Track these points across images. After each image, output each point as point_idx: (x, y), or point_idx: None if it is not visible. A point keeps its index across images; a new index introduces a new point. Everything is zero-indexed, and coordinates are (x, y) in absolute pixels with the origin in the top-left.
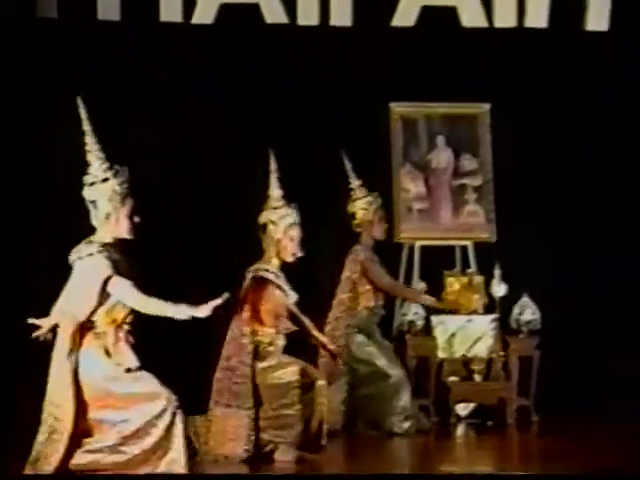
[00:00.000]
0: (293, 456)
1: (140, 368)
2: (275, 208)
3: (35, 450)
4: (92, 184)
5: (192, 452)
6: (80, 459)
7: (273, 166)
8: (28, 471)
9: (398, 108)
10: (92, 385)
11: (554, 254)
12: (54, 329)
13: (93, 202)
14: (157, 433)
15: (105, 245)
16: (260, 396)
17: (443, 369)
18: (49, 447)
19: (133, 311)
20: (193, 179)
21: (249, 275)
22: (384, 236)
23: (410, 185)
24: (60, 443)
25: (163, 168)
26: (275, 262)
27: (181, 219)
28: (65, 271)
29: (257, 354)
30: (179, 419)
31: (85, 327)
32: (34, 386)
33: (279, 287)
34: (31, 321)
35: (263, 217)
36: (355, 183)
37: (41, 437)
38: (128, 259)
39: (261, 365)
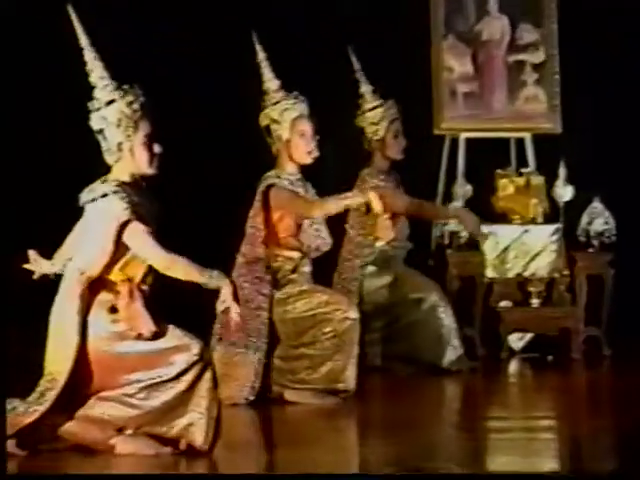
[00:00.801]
0: (306, 397)
1: (157, 333)
2: (275, 103)
3: (18, 404)
4: (98, 110)
5: (217, 419)
6: (89, 410)
7: (261, 54)
8: None
9: None
10: (103, 350)
11: (632, 150)
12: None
13: (101, 132)
14: (179, 387)
15: (122, 184)
16: (276, 333)
17: (493, 292)
18: (32, 405)
19: (153, 269)
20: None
21: (259, 187)
22: (401, 155)
23: (454, 62)
24: (47, 402)
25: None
26: (290, 168)
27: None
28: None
29: (276, 282)
30: (208, 376)
31: (95, 284)
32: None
33: (296, 195)
34: (32, 254)
35: (263, 117)
36: (364, 88)
37: (32, 395)
38: (151, 201)
39: (279, 295)
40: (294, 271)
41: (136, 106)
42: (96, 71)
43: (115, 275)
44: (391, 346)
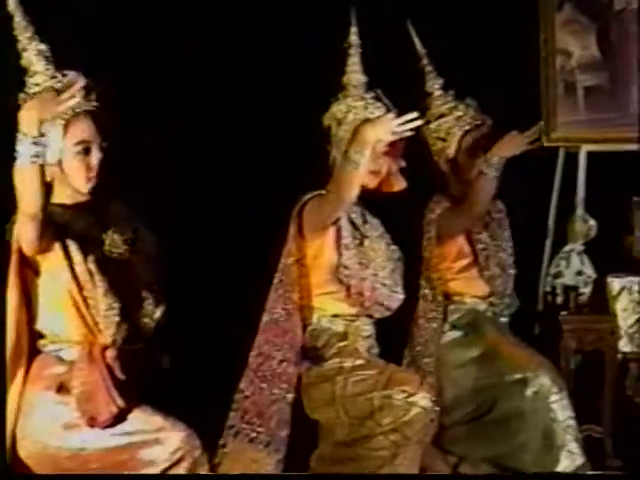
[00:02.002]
0: None
1: (120, 418)
2: (346, 98)
3: None
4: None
5: None
6: None
7: (354, 37)
8: None
9: None
10: (56, 446)
11: None
12: None
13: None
14: None
15: (56, 206)
16: (311, 425)
17: (630, 373)
18: None
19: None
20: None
21: (295, 210)
22: None
23: (572, 44)
24: None
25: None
26: None
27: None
28: None
29: (316, 351)
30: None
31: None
32: None
33: (350, 223)
34: None
35: (327, 116)
36: (432, 84)
37: None
38: (104, 219)
39: (323, 370)
40: (345, 336)
41: (68, 97)
42: (30, 50)
43: (70, 331)
44: (480, 446)
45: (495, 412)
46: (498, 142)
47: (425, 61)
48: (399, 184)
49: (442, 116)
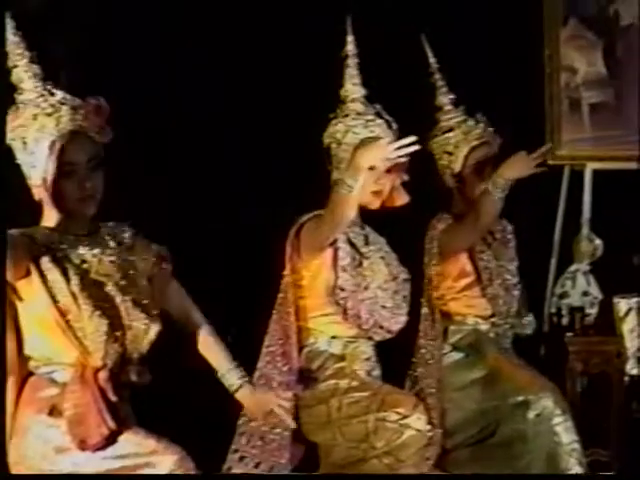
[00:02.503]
0: None
1: (111, 440)
2: (345, 116)
3: None
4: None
5: None
6: None
7: (351, 46)
8: None
9: None
10: (49, 470)
11: None
12: None
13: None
14: None
15: (42, 228)
16: (313, 447)
17: (638, 396)
18: None
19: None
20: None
21: (292, 231)
22: None
23: (578, 60)
24: None
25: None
26: None
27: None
28: None
29: (307, 374)
30: None
31: (23, 373)
32: None
33: (349, 244)
34: None
35: (326, 136)
36: (442, 98)
37: None
38: (92, 240)
39: (317, 392)
40: (342, 358)
41: (58, 113)
42: (20, 67)
43: (61, 353)
44: (483, 470)
45: (498, 435)
46: (505, 162)
47: (437, 75)
48: (401, 199)
49: (450, 130)
